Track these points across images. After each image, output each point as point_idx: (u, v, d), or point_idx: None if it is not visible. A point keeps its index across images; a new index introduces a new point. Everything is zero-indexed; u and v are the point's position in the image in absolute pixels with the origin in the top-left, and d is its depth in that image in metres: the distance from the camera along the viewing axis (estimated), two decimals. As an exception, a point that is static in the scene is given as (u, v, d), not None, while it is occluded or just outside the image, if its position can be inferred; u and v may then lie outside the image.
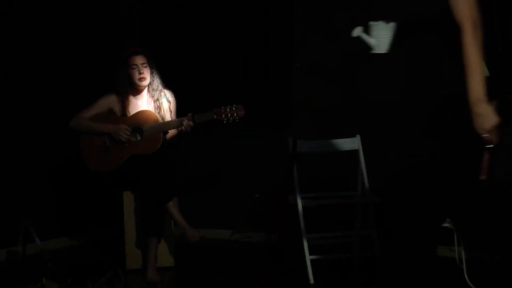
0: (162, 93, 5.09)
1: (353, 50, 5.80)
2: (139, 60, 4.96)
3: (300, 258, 4.95)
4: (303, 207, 5.01)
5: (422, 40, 5.52)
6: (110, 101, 5.08)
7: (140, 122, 4.98)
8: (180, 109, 5.16)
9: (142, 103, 5.05)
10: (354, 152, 5.26)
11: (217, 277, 4.88)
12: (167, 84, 5.17)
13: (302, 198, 5.04)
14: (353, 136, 5.28)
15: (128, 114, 5.00)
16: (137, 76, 4.94)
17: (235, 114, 4.94)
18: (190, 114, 4.92)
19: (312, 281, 4.86)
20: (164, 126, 4.96)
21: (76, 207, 6.10)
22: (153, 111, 5.03)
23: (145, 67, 4.97)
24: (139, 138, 4.95)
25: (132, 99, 5.05)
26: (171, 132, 5.03)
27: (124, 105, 5.04)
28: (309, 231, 5.01)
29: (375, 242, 5.04)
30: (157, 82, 5.05)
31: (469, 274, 4.72)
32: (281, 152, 5.25)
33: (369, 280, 5.02)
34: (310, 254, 4.94)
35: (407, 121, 5.58)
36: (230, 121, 4.95)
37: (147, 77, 4.97)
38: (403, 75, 5.61)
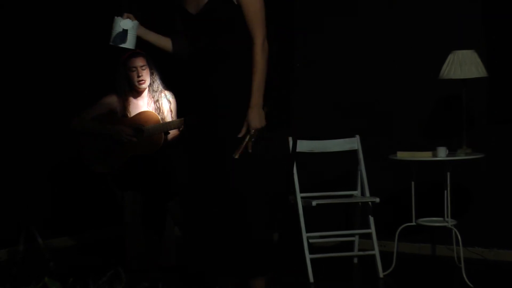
0: (163, 94, 5.08)
1: (353, 50, 5.78)
2: (138, 62, 4.92)
3: (300, 257, 4.93)
4: (303, 206, 5.00)
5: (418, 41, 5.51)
6: (111, 102, 5.06)
7: (141, 123, 4.97)
8: (181, 109, 5.12)
9: (143, 104, 5.04)
10: (354, 152, 5.23)
11: (218, 276, 4.85)
12: (167, 85, 5.14)
13: (302, 198, 5.03)
14: (352, 136, 5.26)
15: (129, 115, 5.00)
16: (136, 78, 4.92)
17: None
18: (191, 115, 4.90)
19: (312, 279, 4.84)
20: (165, 126, 4.95)
21: (77, 207, 6.10)
22: (154, 112, 5.01)
23: (144, 69, 4.93)
24: (140, 138, 4.94)
25: (132, 100, 5.04)
26: (172, 132, 5.02)
27: (125, 106, 5.03)
28: (309, 230, 4.99)
29: (375, 241, 5.02)
30: (157, 83, 5.03)
31: (467, 273, 4.72)
32: (282, 151, 5.22)
33: (369, 279, 5.01)
34: (310, 253, 4.92)
35: (406, 121, 5.57)
36: None
37: (146, 79, 4.94)
38: (401, 75, 5.60)
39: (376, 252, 4.97)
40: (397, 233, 5.02)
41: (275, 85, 6.01)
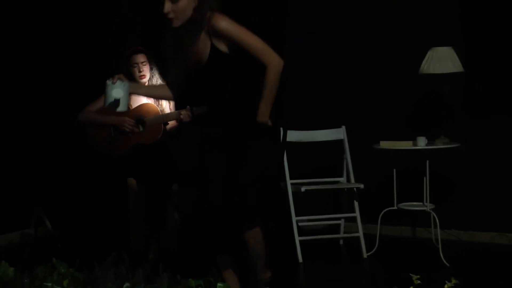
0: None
1: (340, 47, 5.83)
2: (139, 58, 4.94)
3: (290, 239, 4.99)
4: (292, 192, 5.06)
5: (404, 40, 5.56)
6: (114, 95, 5.07)
7: (142, 114, 4.98)
8: (179, 101, 5.14)
9: (143, 97, 5.03)
10: (340, 142, 5.29)
11: (214, 256, 4.90)
12: (166, 78, 5.15)
13: (291, 184, 5.09)
14: (339, 127, 5.31)
15: (130, 107, 5.00)
16: (137, 74, 4.93)
17: None
18: (188, 107, 4.91)
19: (301, 260, 4.91)
20: (164, 117, 4.95)
21: (84, 194, 6.11)
22: (154, 104, 5.03)
23: (145, 65, 4.95)
24: (141, 129, 4.96)
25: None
26: (171, 123, 5.02)
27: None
28: (298, 214, 5.06)
29: (359, 224, 5.08)
30: (156, 78, 5.03)
31: (444, 254, 4.79)
32: (273, 141, 5.25)
33: (354, 259, 5.06)
34: (299, 235, 4.98)
35: (388, 113, 5.61)
36: None
37: (146, 74, 4.96)
38: (384, 70, 5.64)
39: (361, 234, 5.04)
40: (380, 216, 5.08)
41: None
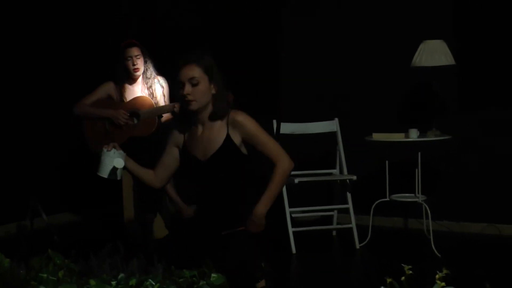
0: (156, 80, 5.05)
1: (333, 40, 5.83)
2: (133, 52, 4.92)
3: (283, 230, 4.99)
4: (286, 184, 5.05)
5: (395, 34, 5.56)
6: (109, 88, 5.05)
7: (136, 107, 4.97)
8: (173, 94, 5.14)
9: (138, 90, 5.03)
10: (333, 134, 5.30)
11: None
12: (160, 71, 5.14)
13: (285, 176, 5.10)
14: (332, 119, 5.32)
15: (125, 100, 5.00)
16: (131, 67, 4.93)
17: None
18: None
19: (294, 251, 4.92)
20: (158, 110, 4.95)
21: (79, 186, 6.11)
22: (148, 97, 5.02)
23: (139, 58, 4.94)
24: (136, 121, 4.95)
25: (128, 86, 5.03)
26: (165, 116, 5.02)
27: (122, 91, 5.02)
28: (292, 206, 5.07)
29: (352, 215, 5.09)
30: (150, 71, 5.02)
31: (436, 244, 4.81)
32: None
33: (346, 250, 5.08)
34: (293, 226, 5.00)
35: (381, 105, 5.62)
36: None
37: (140, 67, 4.95)
38: (377, 63, 5.64)
39: (353, 225, 5.05)
40: (372, 208, 5.10)
41: (261, 73, 6.10)
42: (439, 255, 4.71)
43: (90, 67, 6.09)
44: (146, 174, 3.22)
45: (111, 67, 5.10)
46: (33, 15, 5.82)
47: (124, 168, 3.06)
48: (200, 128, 3.10)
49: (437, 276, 1.96)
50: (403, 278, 1.96)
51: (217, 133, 3.06)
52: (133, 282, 2.23)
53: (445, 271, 1.96)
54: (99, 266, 2.44)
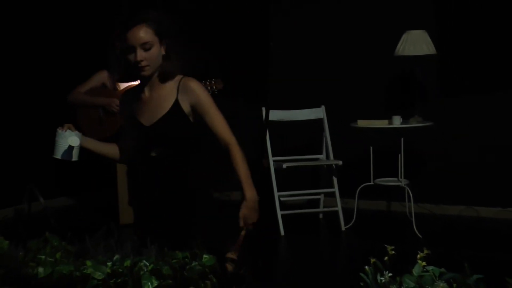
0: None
1: (320, 31, 5.82)
2: None
3: (272, 213, 5.01)
4: (274, 168, 5.09)
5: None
6: (103, 77, 5.04)
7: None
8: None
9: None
10: (319, 121, 5.30)
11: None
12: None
13: (273, 161, 5.12)
14: (318, 106, 5.32)
15: (118, 88, 4.97)
16: None
17: (214, 87, 4.92)
18: None
19: (282, 233, 4.94)
20: None
21: (75, 171, 6.09)
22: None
23: None
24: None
25: (122, 75, 5.00)
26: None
27: (115, 80, 4.99)
28: (280, 190, 5.09)
29: (338, 199, 5.12)
30: None
31: (417, 226, 4.84)
32: (256, 120, 5.27)
33: (332, 232, 5.11)
34: (281, 209, 5.02)
35: (365, 93, 5.62)
36: (210, 93, 4.91)
37: None
38: (362, 53, 5.64)
39: (339, 208, 5.08)
40: (357, 191, 5.12)
41: (251, 62, 6.08)
42: (421, 236, 4.75)
43: (85, 55, 6.05)
44: (109, 149, 2.90)
45: (105, 55, 5.08)
46: (33, 2, 5.76)
47: (83, 148, 2.81)
48: (147, 92, 2.71)
49: (418, 256, 1.98)
50: (386, 258, 1.98)
51: (165, 97, 2.68)
52: (127, 263, 2.23)
53: (426, 251, 1.97)
54: (94, 248, 2.44)
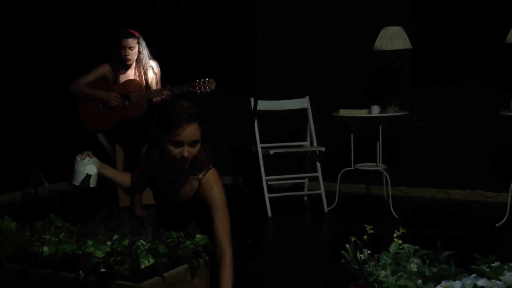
0: (148, 65, 4.95)
1: (304, 26, 5.80)
2: (128, 43, 4.80)
3: (260, 196, 5.01)
4: (262, 155, 5.08)
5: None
6: (105, 69, 4.98)
7: (128, 89, 4.89)
8: (164, 77, 5.07)
9: (131, 74, 4.95)
10: (304, 110, 5.30)
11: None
12: (154, 56, 5.05)
13: (261, 148, 5.10)
14: (303, 97, 5.32)
15: (118, 82, 4.93)
16: (123, 56, 4.83)
17: (207, 87, 4.87)
18: (169, 86, 4.86)
19: (270, 214, 4.94)
20: (148, 94, 4.87)
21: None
22: (139, 80, 4.94)
23: (132, 49, 4.82)
24: (127, 103, 4.89)
25: (122, 70, 4.95)
26: (155, 100, 4.94)
27: (116, 74, 4.95)
28: (268, 174, 5.08)
29: (321, 182, 5.12)
30: (145, 58, 4.90)
31: (394, 207, 4.86)
32: (245, 110, 5.26)
33: (316, 213, 5.11)
34: (269, 192, 5.01)
35: (346, 85, 5.61)
36: (203, 92, 4.87)
37: (132, 58, 4.84)
38: (343, 47, 5.63)
39: (322, 191, 5.09)
40: (339, 176, 5.12)
41: (240, 56, 6.07)
42: (397, 217, 4.76)
43: (89, 47, 6.01)
44: (122, 179, 2.81)
45: (109, 49, 5.04)
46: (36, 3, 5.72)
47: (99, 175, 2.73)
48: (175, 173, 2.60)
49: (395, 235, 1.99)
50: (365, 237, 1.99)
51: (188, 185, 2.59)
52: (126, 242, 2.23)
53: (401, 230, 1.98)
54: (95, 228, 2.44)
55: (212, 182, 2.56)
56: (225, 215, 2.54)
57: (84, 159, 2.72)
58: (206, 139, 2.54)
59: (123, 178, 2.82)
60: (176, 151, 2.46)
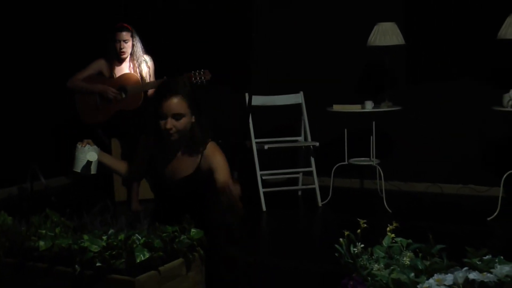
0: (142, 59, 4.97)
1: (299, 23, 5.80)
2: (122, 36, 4.82)
3: (255, 190, 5.01)
4: (257, 149, 5.07)
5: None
6: (100, 65, 4.98)
7: (124, 83, 4.91)
8: (159, 72, 5.07)
9: (126, 67, 4.97)
10: (298, 105, 5.30)
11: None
12: (148, 50, 5.05)
13: (256, 142, 5.10)
14: (297, 92, 5.31)
15: (114, 76, 4.93)
16: (118, 49, 4.84)
17: (202, 78, 4.89)
18: (165, 77, 4.86)
19: (264, 208, 4.94)
20: (144, 86, 4.89)
21: (73, 152, 6.05)
22: (134, 74, 4.95)
23: (127, 42, 4.83)
24: (124, 96, 4.90)
25: (117, 64, 4.96)
26: (150, 92, 4.96)
27: (111, 68, 4.96)
28: (262, 169, 5.08)
29: (315, 177, 5.12)
30: (138, 52, 4.92)
31: (387, 201, 4.87)
32: (240, 105, 5.25)
33: (310, 208, 5.11)
34: (263, 187, 5.01)
35: (340, 80, 5.60)
36: (198, 83, 4.89)
37: (126, 51, 4.85)
38: (337, 43, 5.62)
39: (316, 186, 5.09)
40: (333, 170, 5.12)
41: (235, 52, 6.06)
42: (390, 211, 4.76)
43: (84, 41, 5.99)
44: (120, 167, 2.88)
45: (103, 45, 5.03)
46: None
47: (99, 162, 2.78)
48: (173, 151, 2.74)
49: (388, 229, 2.00)
50: (359, 231, 1.99)
51: (189, 160, 2.72)
52: (121, 236, 2.23)
53: (394, 224, 1.99)
54: (91, 223, 2.44)
55: (214, 150, 2.71)
56: (228, 173, 2.67)
57: (84, 146, 2.78)
58: (200, 117, 2.71)
59: (122, 165, 2.90)
60: (161, 123, 2.61)
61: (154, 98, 2.68)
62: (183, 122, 2.63)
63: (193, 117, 2.69)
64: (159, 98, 2.63)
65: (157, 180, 2.82)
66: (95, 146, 2.80)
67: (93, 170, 2.77)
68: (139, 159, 2.85)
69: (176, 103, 2.61)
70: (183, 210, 2.55)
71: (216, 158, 2.70)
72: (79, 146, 2.78)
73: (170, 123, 2.60)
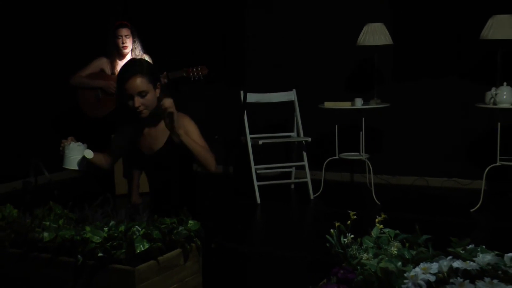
0: (142, 56, 4.97)
1: (292, 24, 5.79)
2: (124, 32, 4.84)
3: (249, 184, 5.01)
4: (252, 145, 5.07)
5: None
6: (102, 62, 4.98)
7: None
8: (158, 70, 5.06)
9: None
10: (291, 102, 5.30)
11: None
12: (147, 50, 5.05)
13: (251, 138, 5.10)
14: (290, 90, 5.32)
15: (116, 73, 4.92)
16: (120, 45, 4.85)
17: (200, 73, 4.90)
18: (165, 72, 4.87)
19: (259, 201, 4.95)
20: None
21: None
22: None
23: (128, 38, 4.86)
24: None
25: (118, 61, 4.95)
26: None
27: (113, 65, 4.95)
28: (257, 163, 5.08)
29: (307, 171, 5.13)
30: (138, 49, 4.94)
31: (376, 194, 4.88)
32: (235, 102, 5.25)
33: (302, 200, 5.12)
34: (257, 181, 5.01)
35: (331, 78, 5.61)
36: (196, 78, 4.90)
37: (128, 46, 4.88)
38: (328, 43, 5.63)
39: (308, 179, 5.09)
40: (324, 164, 5.12)
41: (230, 50, 6.05)
42: (379, 203, 4.78)
43: (85, 37, 5.97)
44: (101, 159, 2.89)
45: (104, 43, 5.02)
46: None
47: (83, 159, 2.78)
48: (146, 127, 2.79)
49: (376, 220, 2.00)
50: (349, 222, 2.00)
51: (161, 132, 2.75)
52: (122, 228, 2.23)
53: (383, 216, 2.00)
54: (93, 215, 2.44)
55: (183, 123, 2.71)
56: (200, 136, 2.74)
57: (70, 144, 2.82)
58: (165, 90, 2.78)
59: (101, 158, 2.90)
60: (130, 103, 2.66)
61: (118, 84, 2.70)
62: (149, 98, 2.67)
63: (157, 91, 2.72)
64: (123, 82, 2.66)
65: (140, 159, 2.85)
66: (79, 143, 2.82)
67: (81, 166, 2.78)
68: (116, 147, 2.91)
69: (138, 82, 2.65)
70: (166, 184, 2.68)
71: (184, 123, 2.72)
72: (67, 144, 2.81)
73: (138, 101, 2.65)
